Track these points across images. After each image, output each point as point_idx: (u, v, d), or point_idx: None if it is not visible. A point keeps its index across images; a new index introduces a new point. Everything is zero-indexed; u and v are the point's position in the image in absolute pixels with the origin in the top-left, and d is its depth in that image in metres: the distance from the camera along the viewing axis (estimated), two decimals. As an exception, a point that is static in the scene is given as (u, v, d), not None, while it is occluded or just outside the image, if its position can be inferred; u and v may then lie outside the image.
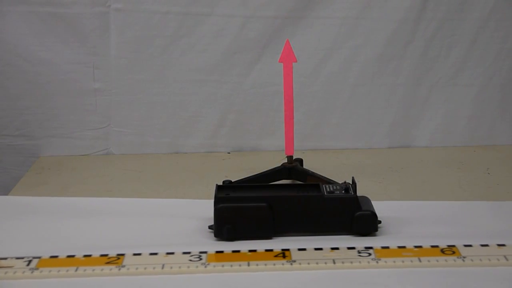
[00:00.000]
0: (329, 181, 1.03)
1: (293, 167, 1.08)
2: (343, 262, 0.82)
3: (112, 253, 0.84)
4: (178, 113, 1.26)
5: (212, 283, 0.80)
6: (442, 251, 0.84)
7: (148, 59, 1.24)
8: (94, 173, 1.18)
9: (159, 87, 1.25)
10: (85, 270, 0.81)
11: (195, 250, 0.85)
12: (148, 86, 1.25)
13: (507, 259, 0.82)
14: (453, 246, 0.85)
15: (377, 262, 0.82)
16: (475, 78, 1.27)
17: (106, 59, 1.24)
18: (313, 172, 1.07)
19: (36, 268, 0.81)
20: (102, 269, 0.81)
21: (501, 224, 0.94)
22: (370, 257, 0.83)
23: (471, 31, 1.25)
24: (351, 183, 0.92)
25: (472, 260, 0.82)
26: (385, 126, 1.28)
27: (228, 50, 1.24)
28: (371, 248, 0.85)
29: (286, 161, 1.09)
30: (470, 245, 0.85)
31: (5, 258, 0.83)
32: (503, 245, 0.85)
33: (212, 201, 0.90)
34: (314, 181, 1.05)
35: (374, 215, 0.89)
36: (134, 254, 0.84)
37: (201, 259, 0.83)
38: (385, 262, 0.82)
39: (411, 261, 0.82)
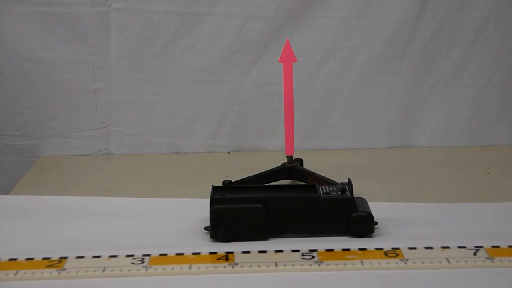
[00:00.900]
0: (329, 181, 1.03)
1: (293, 167, 1.08)
2: (284, 265, 0.82)
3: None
4: (178, 113, 1.26)
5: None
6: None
7: (148, 59, 1.24)
8: (94, 173, 1.18)
9: (159, 87, 1.25)
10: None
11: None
12: (148, 86, 1.25)
13: (448, 261, 0.82)
14: (448, 247, 0.85)
15: (319, 265, 0.82)
16: (475, 78, 1.27)
17: (106, 59, 1.24)
18: (313, 172, 1.07)
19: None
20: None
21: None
22: (313, 259, 0.83)
23: (471, 31, 1.25)
24: (347, 183, 0.92)
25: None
26: (385, 126, 1.28)
27: (228, 50, 1.24)
28: (315, 250, 0.84)
29: (286, 161, 1.09)
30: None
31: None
32: (447, 247, 0.85)
33: (208, 200, 0.90)
34: (314, 181, 1.05)
35: (370, 216, 0.89)
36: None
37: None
38: (327, 265, 0.82)
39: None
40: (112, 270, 0.81)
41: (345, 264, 0.82)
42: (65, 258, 0.83)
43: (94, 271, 0.81)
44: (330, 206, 0.89)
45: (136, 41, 1.23)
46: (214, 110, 1.26)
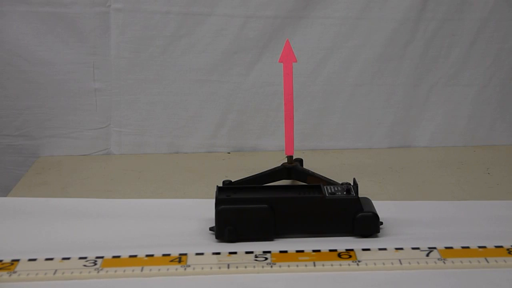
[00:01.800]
0: (329, 181, 1.03)
1: (293, 167, 1.08)
2: (237, 267, 0.81)
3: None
4: (178, 113, 1.26)
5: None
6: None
7: (148, 59, 1.24)
8: (94, 173, 1.18)
9: (159, 87, 1.25)
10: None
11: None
12: (148, 86, 1.25)
13: (400, 262, 0.82)
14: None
15: (271, 266, 0.82)
16: (475, 78, 1.27)
17: (106, 59, 1.24)
18: (313, 172, 1.07)
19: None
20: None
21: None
22: (266, 261, 0.82)
23: (471, 31, 1.25)
24: (352, 184, 0.92)
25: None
26: (385, 126, 1.28)
27: (228, 50, 1.24)
28: (269, 252, 0.84)
29: (286, 161, 1.09)
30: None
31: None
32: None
33: (212, 201, 0.90)
34: (314, 181, 1.05)
35: (376, 216, 0.89)
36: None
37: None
38: (280, 266, 0.81)
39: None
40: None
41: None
42: (102, 257, 0.83)
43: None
44: (335, 206, 0.89)
45: (136, 41, 1.23)
46: (214, 110, 1.26)
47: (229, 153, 1.28)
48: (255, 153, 1.27)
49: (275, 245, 0.86)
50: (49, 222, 0.96)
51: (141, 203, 1.03)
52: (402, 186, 1.10)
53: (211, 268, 0.81)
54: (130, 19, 1.22)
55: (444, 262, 0.81)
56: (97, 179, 1.16)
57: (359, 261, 0.82)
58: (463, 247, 0.85)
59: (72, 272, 0.80)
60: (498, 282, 0.79)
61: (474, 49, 1.26)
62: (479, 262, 0.82)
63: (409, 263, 0.82)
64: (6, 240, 0.90)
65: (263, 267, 0.81)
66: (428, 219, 0.95)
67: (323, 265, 0.81)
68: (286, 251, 0.84)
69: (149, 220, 0.96)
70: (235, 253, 0.84)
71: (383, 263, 0.82)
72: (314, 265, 0.81)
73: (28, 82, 1.23)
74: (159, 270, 0.81)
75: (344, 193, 0.90)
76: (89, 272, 0.80)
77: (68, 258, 0.83)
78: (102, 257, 0.83)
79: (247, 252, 0.84)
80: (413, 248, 0.85)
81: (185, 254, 0.84)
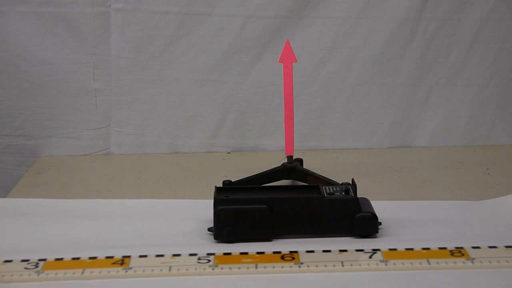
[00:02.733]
0: (329, 181, 1.03)
1: (293, 167, 1.08)
2: (265, 267, 0.81)
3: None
4: (178, 113, 1.26)
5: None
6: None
7: (148, 59, 1.24)
8: (94, 173, 1.18)
9: (159, 87, 1.25)
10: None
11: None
12: (148, 86, 1.25)
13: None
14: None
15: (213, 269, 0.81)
16: (475, 78, 1.27)
17: (106, 59, 1.24)
18: (313, 172, 1.07)
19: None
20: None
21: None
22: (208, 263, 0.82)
23: (471, 31, 1.25)
24: (351, 184, 0.92)
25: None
26: (385, 126, 1.28)
27: (228, 50, 1.24)
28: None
29: (286, 161, 1.09)
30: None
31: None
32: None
33: (210, 201, 0.89)
34: (314, 181, 1.05)
35: (374, 216, 0.89)
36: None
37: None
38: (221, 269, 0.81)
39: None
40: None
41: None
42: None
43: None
44: (334, 206, 0.89)
45: (136, 41, 1.23)
46: (214, 110, 1.26)
47: (229, 153, 1.28)
48: (255, 153, 1.27)
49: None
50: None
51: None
52: (402, 186, 1.10)
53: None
54: (130, 19, 1.22)
55: (386, 264, 0.81)
56: (97, 179, 1.16)
57: (301, 263, 0.82)
58: (406, 249, 0.84)
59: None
60: (438, 285, 0.78)
61: (474, 49, 1.26)
62: (420, 264, 0.81)
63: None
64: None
65: (204, 269, 0.81)
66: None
67: (265, 267, 0.81)
68: (230, 253, 0.84)
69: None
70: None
71: (327, 265, 0.81)
72: (256, 267, 0.81)
73: (28, 82, 1.23)
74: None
75: (343, 193, 0.90)
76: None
77: (179, 255, 0.83)
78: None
79: (190, 254, 0.84)
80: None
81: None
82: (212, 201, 0.89)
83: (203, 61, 1.24)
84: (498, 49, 1.26)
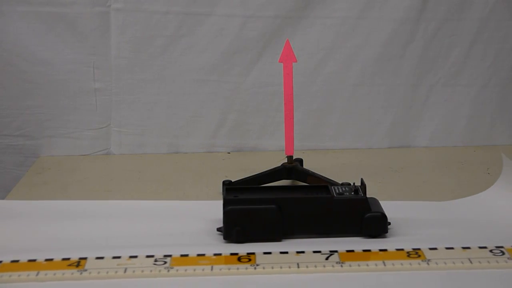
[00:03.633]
0: (329, 182, 1.03)
1: (293, 167, 1.08)
2: (134, 271, 0.81)
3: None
4: (178, 113, 1.26)
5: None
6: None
7: (148, 59, 1.24)
8: (94, 173, 1.18)
9: (159, 87, 1.25)
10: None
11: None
12: (148, 86, 1.25)
13: (341, 266, 0.82)
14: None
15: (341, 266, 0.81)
16: (475, 78, 1.27)
17: (106, 59, 1.24)
18: (313, 172, 1.07)
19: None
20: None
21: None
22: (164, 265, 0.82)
23: (471, 31, 1.25)
24: (360, 184, 0.92)
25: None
26: (385, 126, 1.28)
27: (228, 50, 1.24)
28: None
29: (286, 161, 1.09)
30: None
31: None
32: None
33: (215, 202, 0.89)
34: (314, 181, 1.05)
35: (384, 216, 0.89)
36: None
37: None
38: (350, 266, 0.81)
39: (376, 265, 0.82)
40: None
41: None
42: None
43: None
44: (343, 206, 0.89)
45: (136, 41, 1.23)
46: (214, 110, 1.26)
47: (229, 153, 1.28)
48: (255, 153, 1.27)
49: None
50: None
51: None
52: (402, 186, 1.10)
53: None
54: (130, 19, 1.22)
55: (342, 266, 0.81)
56: (97, 179, 1.16)
57: (257, 265, 0.81)
58: (364, 250, 0.84)
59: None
60: (391, 286, 0.78)
61: (474, 49, 1.26)
62: (376, 265, 0.81)
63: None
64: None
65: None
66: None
67: (220, 269, 0.81)
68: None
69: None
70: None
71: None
72: (212, 269, 0.81)
73: (28, 82, 1.23)
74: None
75: (352, 193, 0.90)
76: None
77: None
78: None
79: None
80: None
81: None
82: (214, 202, 0.89)
83: (203, 61, 1.24)
84: (498, 49, 1.26)
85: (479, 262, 0.81)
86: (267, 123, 1.27)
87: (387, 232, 0.89)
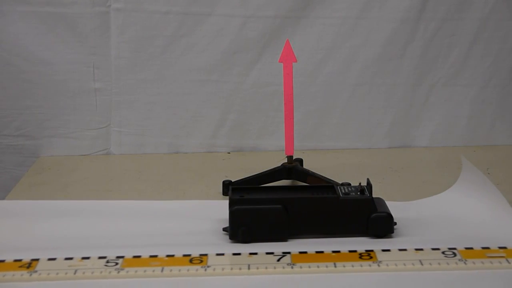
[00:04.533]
0: (329, 182, 1.03)
1: (293, 167, 1.08)
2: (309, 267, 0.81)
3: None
4: (178, 113, 1.26)
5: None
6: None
7: (148, 59, 1.24)
8: (94, 173, 1.18)
9: (159, 87, 1.25)
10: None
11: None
12: (148, 86, 1.25)
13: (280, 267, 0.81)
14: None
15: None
16: (475, 78, 1.27)
17: (106, 59, 1.24)
18: (313, 172, 1.07)
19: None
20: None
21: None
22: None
23: (471, 31, 1.25)
24: (366, 184, 0.92)
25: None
26: (385, 126, 1.28)
27: (228, 50, 1.24)
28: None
29: (286, 161, 1.09)
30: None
31: None
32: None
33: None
34: (314, 181, 1.05)
35: (390, 216, 0.89)
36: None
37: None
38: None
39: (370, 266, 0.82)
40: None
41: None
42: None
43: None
44: (349, 206, 0.89)
45: (136, 41, 1.23)
46: (214, 110, 1.26)
47: (229, 153, 1.28)
48: (255, 153, 1.27)
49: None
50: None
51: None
52: (402, 186, 1.10)
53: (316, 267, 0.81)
54: (130, 19, 1.22)
55: (292, 268, 0.80)
56: (97, 179, 1.16)
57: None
58: (316, 252, 0.84)
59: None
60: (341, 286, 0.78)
61: (474, 49, 1.26)
62: (326, 267, 0.81)
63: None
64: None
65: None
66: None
67: (196, 270, 0.81)
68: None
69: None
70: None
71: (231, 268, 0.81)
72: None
73: (28, 82, 1.23)
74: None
75: (358, 193, 0.90)
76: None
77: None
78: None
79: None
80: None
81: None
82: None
83: (203, 61, 1.24)
84: (498, 49, 1.26)
85: (430, 264, 0.81)
86: (267, 123, 1.27)
87: (393, 232, 0.89)
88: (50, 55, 1.22)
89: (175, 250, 0.84)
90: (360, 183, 0.93)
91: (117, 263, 0.82)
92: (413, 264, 0.81)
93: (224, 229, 0.90)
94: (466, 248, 0.84)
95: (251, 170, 1.10)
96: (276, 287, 0.79)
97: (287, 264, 0.81)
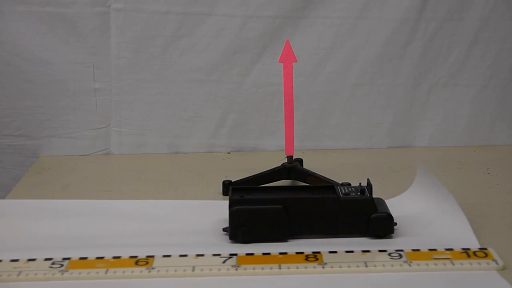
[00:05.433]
0: (329, 182, 1.03)
1: (293, 167, 1.08)
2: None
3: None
4: (178, 113, 1.26)
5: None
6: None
7: (148, 59, 1.24)
8: (94, 173, 1.18)
9: (159, 87, 1.25)
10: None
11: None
12: (148, 86, 1.25)
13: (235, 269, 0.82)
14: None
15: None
16: (475, 78, 1.27)
17: (106, 59, 1.24)
18: (313, 172, 1.07)
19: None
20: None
21: None
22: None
23: (471, 31, 1.25)
24: (366, 184, 0.92)
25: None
26: (385, 126, 1.28)
27: (228, 50, 1.24)
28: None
29: (286, 161, 1.09)
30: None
31: None
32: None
33: (218, 201, 0.89)
34: (314, 181, 1.05)
35: (390, 217, 0.89)
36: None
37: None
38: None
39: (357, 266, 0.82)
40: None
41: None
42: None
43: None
44: (349, 207, 0.89)
45: (136, 41, 1.23)
46: (214, 110, 1.26)
47: (229, 153, 1.28)
48: (255, 153, 1.27)
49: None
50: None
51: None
52: (402, 186, 1.10)
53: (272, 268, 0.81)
54: (130, 19, 1.22)
55: (237, 269, 0.81)
56: (97, 179, 1.16)
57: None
58: (263, 253, 0.84)
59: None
60: None
61: (474, 49, 1.26)
62: (271, 268, 0.81)
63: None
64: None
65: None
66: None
67: (137, 272, 0.81)
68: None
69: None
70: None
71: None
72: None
73: (28, 82, 1.23)
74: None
75: (358, 193, 0.90)
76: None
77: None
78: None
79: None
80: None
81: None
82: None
83: (203, 61, 1.24)
84: (498, 49, 1.26)
85: (374, 265, 0.81)
86: (267, 123, 1.27)
87: (393, 232, 0.89)
88: (50, 55, 1.22)
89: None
90: (360, 183, 0.93)
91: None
92: (357, 266, 0.81)
93: (224, 229, 0.90)
94: (413, 250, 0.84)
95: (251, 170, 1.10)
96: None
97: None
